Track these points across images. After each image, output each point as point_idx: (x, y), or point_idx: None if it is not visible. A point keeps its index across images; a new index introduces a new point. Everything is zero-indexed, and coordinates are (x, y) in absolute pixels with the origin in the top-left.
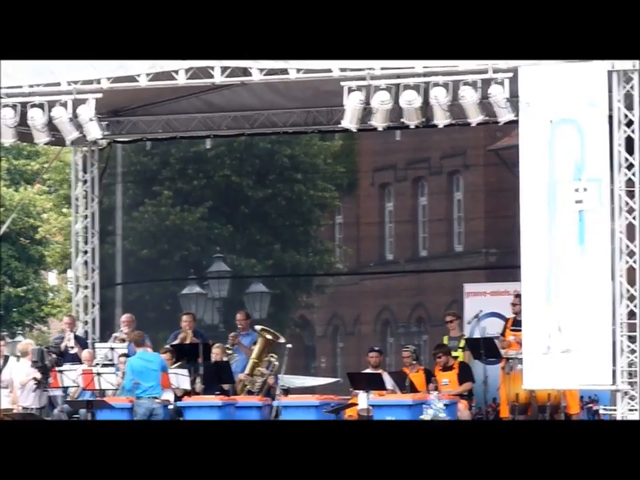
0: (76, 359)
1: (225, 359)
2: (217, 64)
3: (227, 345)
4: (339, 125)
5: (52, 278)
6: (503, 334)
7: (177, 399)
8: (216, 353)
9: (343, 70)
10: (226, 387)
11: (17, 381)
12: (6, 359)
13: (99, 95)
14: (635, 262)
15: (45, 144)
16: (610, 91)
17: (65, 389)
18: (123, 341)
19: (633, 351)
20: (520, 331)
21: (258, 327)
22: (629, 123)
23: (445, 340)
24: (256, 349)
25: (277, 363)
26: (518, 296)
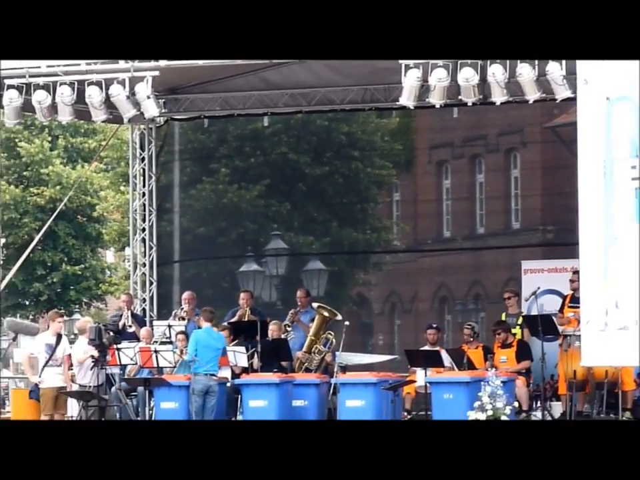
0: (133, 337)
1: (282, 336)
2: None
3: (286, 322)
4: (397, 102)
5: (109, 256)
6: (561, 310)
7: (235, 376)
8: (273, 330)
9: None
10: (284, 364)
11: (75, 359)
12: (59, 337)
13: (157, 73)
14: None
15: (103, 122)
16: None
17: (123, 366)
18: (183, 318)
19: None
20: (578, 307)
21: (315, 305)
22: None
23: (503, 317)
24: (313, 326)
25: (334, 340)
26: (576, 272)
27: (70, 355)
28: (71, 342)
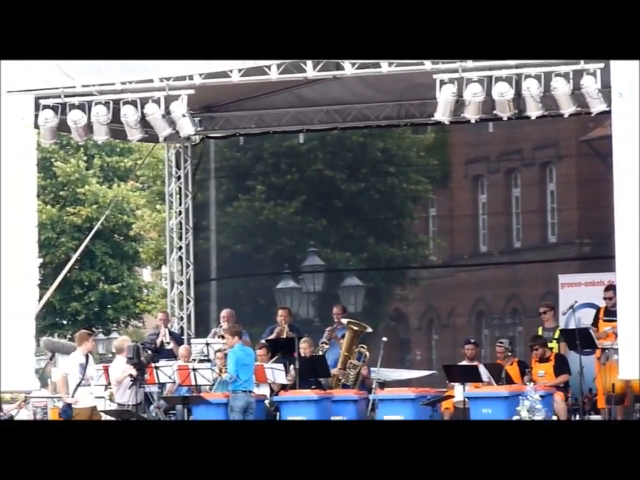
0: (171, 355)
1: (319, 352)
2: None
3: (324, 339)
4: (432, 118)
5: (146, 274)
6: (595, 324)
7: (273, 393)
8: (304, 347)
9: (435, 62)
10: (321, 380)
11: (113, 378)
12: (87, 356)
13: (192, 91)
14: None
15: (138, 141)
16: None
17: (161, 385)
18: (222, 337)
19: None
20: (614, 321)
21: (345, 320)
22: None
23: (540, 331)
24: (345, 341)
25: (368, 353)
26: (610, 287)
27: (107, 371)
28: (109, 361)
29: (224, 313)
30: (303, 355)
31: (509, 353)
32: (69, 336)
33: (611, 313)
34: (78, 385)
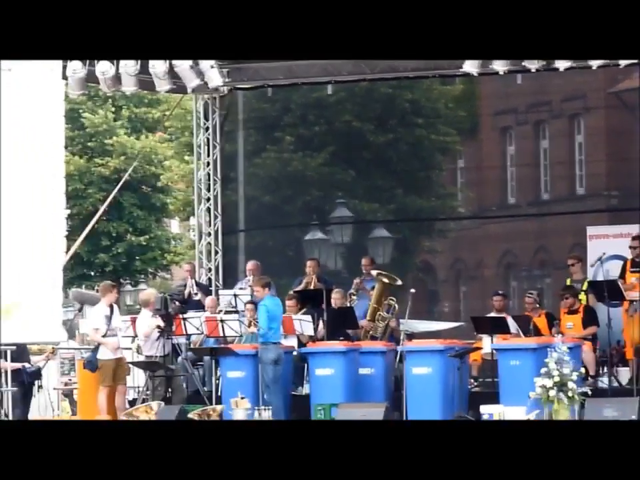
0: (199, 306)
1: (347, 303)
2: None
3: (352, 290)
4: (460, 69)
5: (174, 226)
6: (622, 276)
7: (301, 345)
8: (336, 298)
9: None
10: (350, 332)
11: (140, 333)
12: (112, 307)
13: None
14: None
15: (166, 92)
16: None
17: (189, 336)
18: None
19: None
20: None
21: (374, 272)
22: None
23: (568, 282)
24: (374, 293)
25: (397, 306)
26: (636, 238)
27: (134, 322)
28: (137, 312)
29: (249, 265)
30: (334, 305)
31: (537, 305)
32: (96, 287)
33: (637, 264)
34: (103, 336)
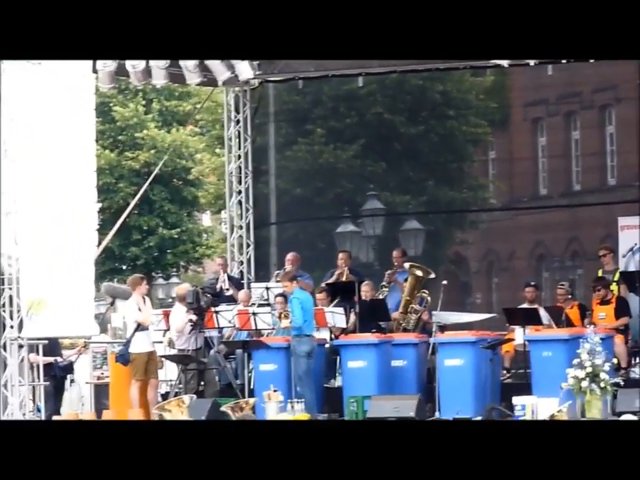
0: (231, 300)
1: (379, 296)
2: None
3: (383, 283)
4: (491, 61)
5: (206, 219)
6: None
7: (333, 337)
8: (365, 291)
9: None
10: (382, 324)
11: (174, 328)
12: (144, 300)
13: None
14: None
15: (197, 85)
16: None
17: (221, 329)
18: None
19: None
20: None
21: (407, 264)
22: None
23: (600, 273)
24: (407, 286)
25: (429, 299)
26: None
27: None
28: (169, 306)
29: (289, 256)
30: (364, 298)
31: (570, 296)
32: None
33: None
34: (135, 330)
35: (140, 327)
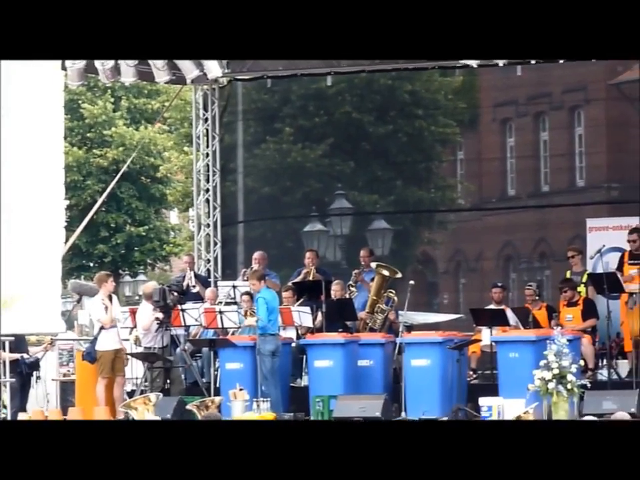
0: (198, 298)
1: (345, 295)
2: None
3: (350, 282)
4: (460, 61)
5: (173, 217)
6: (619, 268)
7: (299, 336)
8: (335, 290)
9: None
10: (349, 323)
11: (140, 326)
12: (110, 297)
13: None
14: None
15: (166, 83)
16: None
17: (187, 327)
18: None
19: None
20: (639, 264)
21: (374, 264)
22: None
23: (568, 275)
24: (374, 285)
25: (396, 298)
26: (634, 230)
27: (135, 314)
28: (136, 303)
29: (256, 255)
30: (334, 297)
31: (537, 297)
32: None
33: (635, 257)
34: (102, 328)
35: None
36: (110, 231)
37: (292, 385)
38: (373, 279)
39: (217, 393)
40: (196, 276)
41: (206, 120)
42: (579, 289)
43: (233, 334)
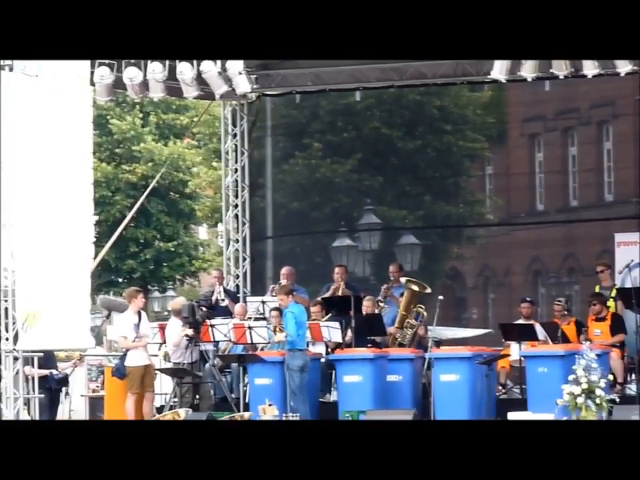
0: (227, 313)
1: (376, 311)
2: None
3: (379, 297)
4: (489, 76)
5: (202, 232)
6: None
7: (328, 352)
8: (367, 306)
9: None
10: (378, 339)
11: (170, 343)
12: (140, 314)
13: None
14: None
15: (194, 98)
16: None
17: (217, 342)
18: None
19: None
20: None
21: (404, 279)
22: None
23: (596, 290)
24: (403, 300)
25: (425, 313)
26: None
27: (163, 330)
28: (165, 319)
29: (284, 270)
30: (365, 313)
31: (566, 312)
32: (124, 294)
33: None
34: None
35: (135, 340)
36: (139, 247)
37: (321, 400)
38: (402, 294)
39: (246, 408)
40: (225, 291)
41: (235, 135)
42: (608, 303)
43: (262, 349)
